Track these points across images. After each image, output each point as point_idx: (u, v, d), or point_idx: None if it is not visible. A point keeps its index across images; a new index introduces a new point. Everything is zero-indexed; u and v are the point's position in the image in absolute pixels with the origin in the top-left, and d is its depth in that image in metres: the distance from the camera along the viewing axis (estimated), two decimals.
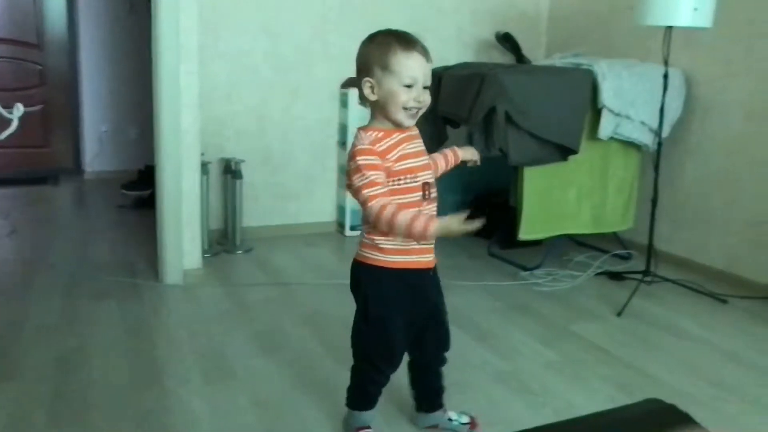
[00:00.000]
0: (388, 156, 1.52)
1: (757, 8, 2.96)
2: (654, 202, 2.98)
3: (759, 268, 2.99)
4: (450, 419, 1.83)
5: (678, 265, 3.26)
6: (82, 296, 2.72)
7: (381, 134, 1.54)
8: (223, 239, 3.54)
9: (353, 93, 3.63)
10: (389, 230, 1.50)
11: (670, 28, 2.81)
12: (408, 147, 1.56)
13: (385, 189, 1.50)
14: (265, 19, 3.51)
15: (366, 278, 1.62)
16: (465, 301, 2.80)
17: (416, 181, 1.55)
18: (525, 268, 3.19)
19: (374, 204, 1.48)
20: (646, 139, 3.17)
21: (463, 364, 2.22)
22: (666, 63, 2.87)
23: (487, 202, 3.80)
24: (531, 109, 2.94)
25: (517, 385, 2.09)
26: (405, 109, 1.51)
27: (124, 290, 2.80)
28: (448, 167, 1.80)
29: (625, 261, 3.34)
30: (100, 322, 2.48)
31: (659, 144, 3.00)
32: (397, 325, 1.63)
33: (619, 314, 2.68)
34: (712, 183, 3.20)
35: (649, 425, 0.95)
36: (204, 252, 3.16)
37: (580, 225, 3.27)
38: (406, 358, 1.75)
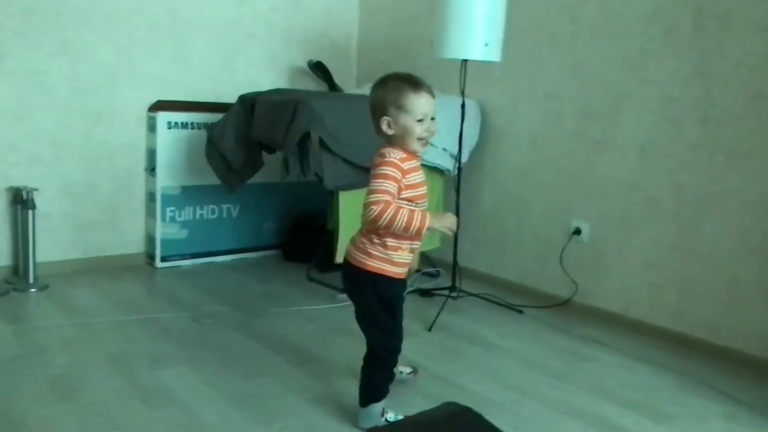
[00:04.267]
0: (409, 176, 1.81)
1: (537, 45, 3.33)
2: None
3: (546, 279, 3.33)
4: (400, 372, 2.21)
5: (480, 280, 3.53)
6: None
7: (405, 155, 1.83)
8: (14, 276, 3.19)
9: (162, 116, 3.49)
10: (389, 225, 1.75)
11: (465, 61, 3.06)
12: (418, 176, 1.86)
13: (392, 199, 1.75)
14: (63, 38, 3.25)
15: (381, 283, 1.89)
16: (282, 327, 2.78)
17: (424, 206, 1.87)
18: (342, 291, 3.25)
19: (376, 207, 1.73)
20: (448, 164, 3.40)
21: (280, 389, 2.20)
22: (463, 94, 3.12)
23: (305, 227, 3.84)
24: (344, 136, 3.03)
25: (334, 407, 2.11)
26: (419, 139, 1.82)
27: None
28: None
29: (434, 278, 3.55)
30: None
31: (459, 169, 3.24)
32: (402, 314, 1.99)
33: (429, 329, 2.83)
34: (506, 204, 3.51)
35: (446, 426, 1.02)
36: None
37: None
38: None
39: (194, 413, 2.02)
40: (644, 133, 2.93)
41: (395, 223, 1.74)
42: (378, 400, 1.97)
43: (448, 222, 1.84)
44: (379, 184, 1.76)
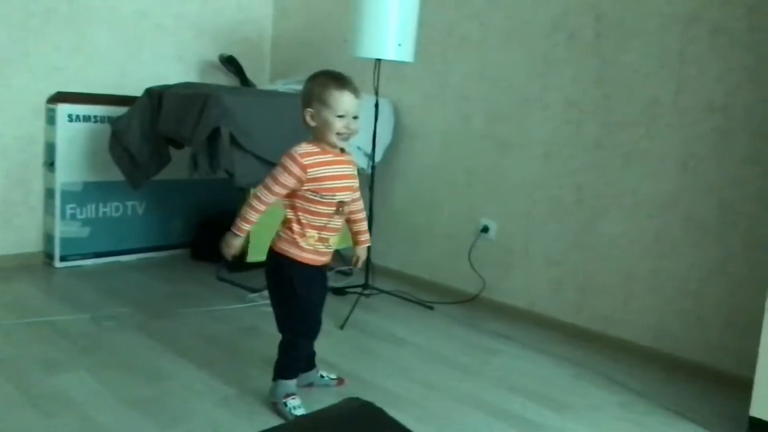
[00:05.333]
0: (313, 170, 1.92)
1: (448, 47, 3.40)
2: (370, 220, 3.22)
3: (455, 276, 3.40)
4: (322, 376, 2.27)
5: (392, 277, 3.56)
6: None
7: (317, 150, 1.95)
8: None
9: (62, 108, 3.32)
10: (242, 211, 1.95)
11: (379, 60, 3.08)
12: (337, 169, 1.98)
13: (281, 190, 1.92)
14: None
15: (285, 264, 2.00)
16: (189, 328, 2.71)
17: (334, 199, 1.98)
18: (253, 290, 3.20)
19: (260, 192, 1.94)
20: (362, 162, 3.41)
21: (185, 392, 2.15)
22: (376, 93, 3.14)
23: (215, 225, 3.74)
24: (255, 131, 2.98)
25: (242, 407, 2.08)
26: (338, 134, 1.94)
27: None
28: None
29: (347, 276, 3.55)
30: None
31: (373, 167, 3.26)
32: (315, 302, 2.09)
33: (341, 327, 2.83)
34: (418, 202, 3.57)
35: (346, 420, 1.03)
36: None
37: None
38: None
39: (92, 420, 1.94)
40: (548, 135, 3.05)
41: (244, 207, 1.96)
42: (285, 377, 2.07)
43: (226, 248, 2.01)
44: (275, 170, 1.94)
